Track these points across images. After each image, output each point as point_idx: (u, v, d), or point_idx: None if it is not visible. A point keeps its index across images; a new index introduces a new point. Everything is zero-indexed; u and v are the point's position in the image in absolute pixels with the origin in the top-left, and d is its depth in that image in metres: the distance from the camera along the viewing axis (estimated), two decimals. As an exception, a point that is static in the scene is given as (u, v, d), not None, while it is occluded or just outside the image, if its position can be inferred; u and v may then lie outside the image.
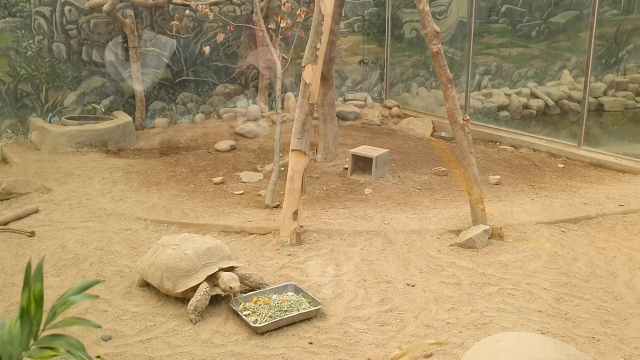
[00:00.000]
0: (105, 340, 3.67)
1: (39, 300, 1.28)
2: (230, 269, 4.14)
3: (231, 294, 3.99)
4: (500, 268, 4.63)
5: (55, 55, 8.24)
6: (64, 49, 8.28)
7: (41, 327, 1.32)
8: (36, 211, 5.65)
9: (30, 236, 5.15)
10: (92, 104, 8.51)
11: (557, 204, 5.88)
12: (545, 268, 4.63)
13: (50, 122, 8.23)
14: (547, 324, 3.85)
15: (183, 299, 4.05)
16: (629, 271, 4.59)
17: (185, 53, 9.08)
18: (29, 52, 8.06)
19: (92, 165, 7.11)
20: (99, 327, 1.47)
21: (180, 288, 3.99)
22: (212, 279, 4.04)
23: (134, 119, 8.56)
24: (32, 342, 1.29)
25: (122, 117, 8.35)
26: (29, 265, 1.27)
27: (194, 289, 3.97)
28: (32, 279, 1.28)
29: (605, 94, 10.57)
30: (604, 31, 10.49)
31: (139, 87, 8.65)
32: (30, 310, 1.28)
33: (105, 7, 7.97)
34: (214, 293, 4.00)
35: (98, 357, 1.38)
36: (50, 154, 7.51)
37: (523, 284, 4.38)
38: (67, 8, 8.21)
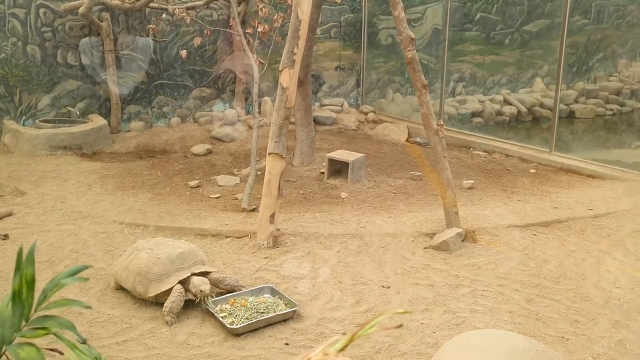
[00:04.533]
0: (81, 343, 3.65)
1: (31, 283, 1.30)
2: (204, 273, 4.14)
3: (202, 298, 4.00)
4: (472, 270, 4.72)
5: (30, 58, 8.16)
6: (39, 51, 8.20)
7: (32, 309, 1.34)
8: (10, 214, 5.59)
9: (4, 239, 5.09)
10: (67, 107, 8.43)
11: (529, 208, 6.01)
12: (516, 270, 4.73)
13: (24, 125, 8.14)
14: (519, 324, 3.94)
15: (159, 302, 4.05)
16: (597, 273, 4.71)
17: (161, 57, 9.05)
18: (3, 55, 7.97)
19: (66, 169, 7.05)
20: (89, 307, 1.50)
21: (152, 292, 3.99)
22: (184, 283, 4.04)
23: (109, 123, 8.51)
24: (23, 323, 1.31)
25: (98, 121, 8.29)
26: (20, 251, 1.30)
27: (167, 293, 3.96)
28: (24, 263, 1.30)
29: (576, 101, 10.80)
30: (575, 40, 10.73)
31: (114, 91, 8.61)
32: (22, 294, 1.30)
33: (81, 10, 7.92)
34: (186, 298, 4.00)
35: (84, 342, 1.40)
36: (24, 156, 7.43)
37: (495, 285, 4.47)
38: (42, 10, 8.14)
